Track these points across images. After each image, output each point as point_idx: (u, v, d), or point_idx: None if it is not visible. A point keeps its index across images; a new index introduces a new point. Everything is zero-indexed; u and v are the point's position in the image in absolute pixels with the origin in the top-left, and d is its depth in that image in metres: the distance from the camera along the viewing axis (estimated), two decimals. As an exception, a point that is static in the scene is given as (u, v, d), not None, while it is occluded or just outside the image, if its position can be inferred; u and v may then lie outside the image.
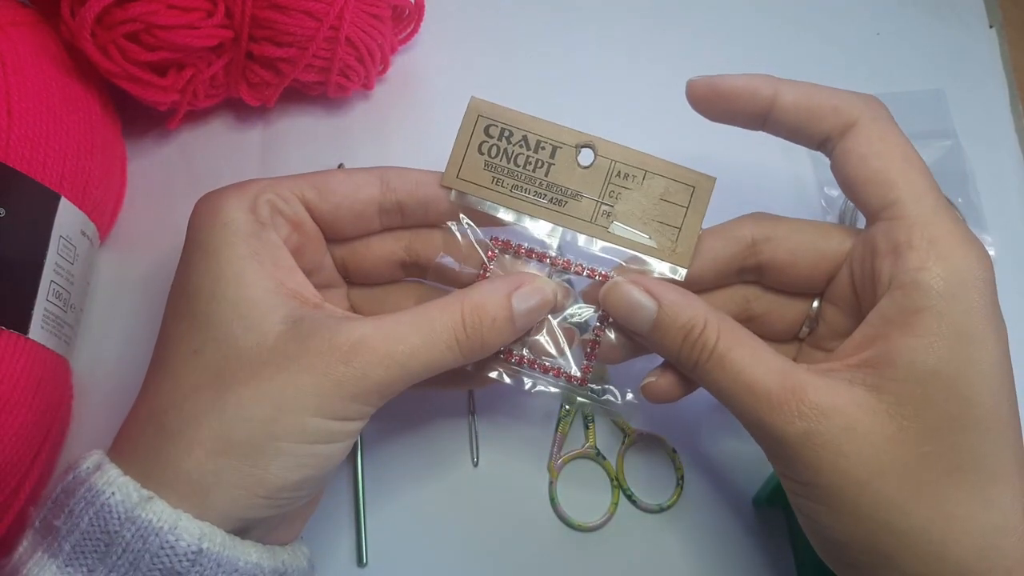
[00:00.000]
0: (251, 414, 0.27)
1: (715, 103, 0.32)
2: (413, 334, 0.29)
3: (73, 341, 0.37)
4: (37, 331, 0.33)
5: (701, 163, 0.33)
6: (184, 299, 0.30)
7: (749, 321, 0.34)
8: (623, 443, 0.39)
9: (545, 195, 0.33)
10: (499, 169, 0.33)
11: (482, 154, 0.33)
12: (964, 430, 0.26)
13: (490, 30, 0.47)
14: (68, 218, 0.35)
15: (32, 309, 0.33)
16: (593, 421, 0.40)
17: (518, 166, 0.33)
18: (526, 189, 0.33)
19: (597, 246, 0.33)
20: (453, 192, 0.33)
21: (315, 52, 0.39)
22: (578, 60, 0.46)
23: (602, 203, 0.33)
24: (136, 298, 0.40)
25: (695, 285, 0.32)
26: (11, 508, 0.33)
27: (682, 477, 0.39)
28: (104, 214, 0.39)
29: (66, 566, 0.26)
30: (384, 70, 0.44)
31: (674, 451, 0.39)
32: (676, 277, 0.33)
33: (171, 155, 0.43)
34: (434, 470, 0.39)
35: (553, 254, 0.33)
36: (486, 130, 0.33)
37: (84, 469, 0.28)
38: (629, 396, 0.34)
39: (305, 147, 0.44)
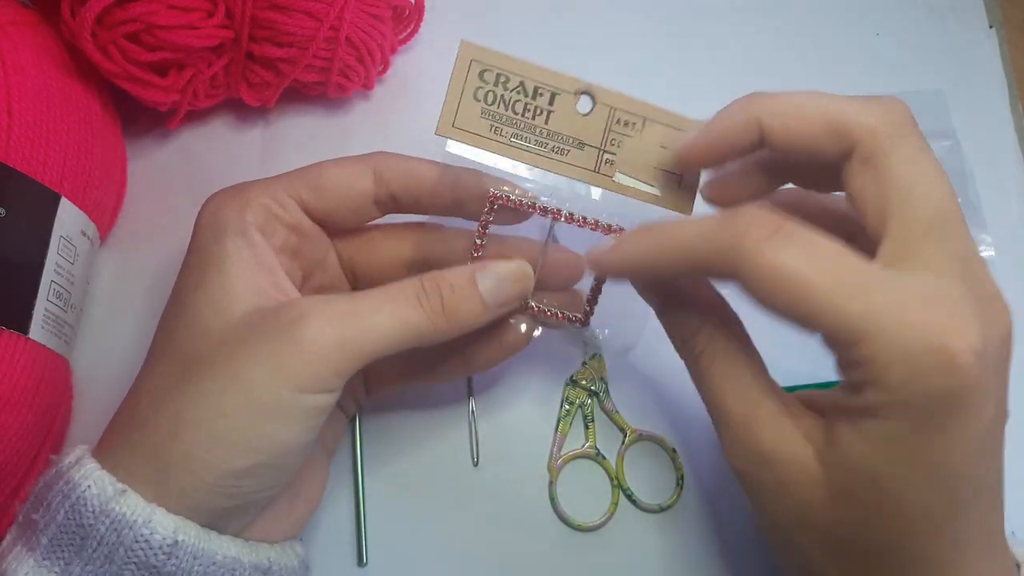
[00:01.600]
0: (202, 395, 0.27)
1: (708, 149, 0.30)
2: (367, 299, 0.29)
3: (73, 341, 0.37)
4: (37, 331, 0.33)
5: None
6: (173, 295, 0.31)
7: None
8: (623, 443, 0.39)
9: (546, 144, 0.32)
10: (497, 117, 0.31)
11: (478, 100, 0.31)
12: (891, 522, 0.26)
13: (490, 30, 0.47)
14: (68, 218, 0.35)
15: (32, 309, 0.33)
16: (593, 421, 0.40)
17: (516, 113, 0.32)
18: (526, 138, 0.32)
19: (596, 194, 0.33)
20: (449, 142, 0.32)
21: (315, 52, 0.39)
22: (580, 60, 0.46)
23: (604, 151, 0.32)
24: (137, 298, 0.40)
25: (779, 138, 0.28)
26: (11, 508, 0.33)
27: (682, 477, 0.39)
28: (104, 214, 0.39)
29: (44, 559, 0.26)
30: (384, 70, 0.44)
31: (674, 451, 0.39)
32: (685, 219, 0.31)
33: (171, 155, 0.43)
34: (434, 470, 0.39)
35: (556, 207, 0.33)
36: (480, 75, 0.31)
37: (66, 464, 0.28)
38: (613, 334, 0.36)
39: (305, 147, 0.44)
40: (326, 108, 0.45)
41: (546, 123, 0.32)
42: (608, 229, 0.33)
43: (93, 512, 0.26)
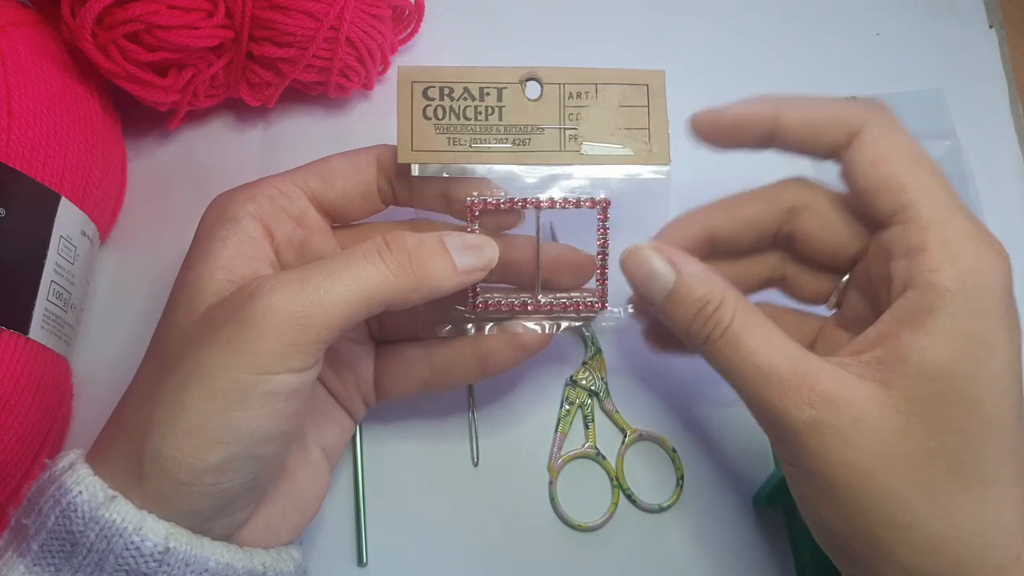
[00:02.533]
0: (165, 392, 0.27)
1: (720, 135, 0.32)
2: (322, 265, 0.28)
3: (73, 341, 0.37)
4: (37, 331, 0.33)
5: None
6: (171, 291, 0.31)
7: (781, 282, 0.35)
8: (623, 443, 0.39)
9: (506, 139, 0.32)
10: (451, 128, 0.32)
11: (428, 119, 0.31)
12: (969, 431, 0.26)
13: (490, 30, 0.47)
14: (68, 218, 0.35)
15: (32, 309, 0.33)
16: (593, 421, 0.40)
17: (469, 119, 0.32)
18: (485, 139, 0.32)
19: (533, 178, 0.33)
20: (414, 167, 0.32)
21: (315, 52, 0.39)
22: (581, 59, 0.46)
23: (565, 128, 0.32)
24: (137, 298, 0.40)
25: (732, 246, 0.33)
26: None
27: (682, 477, 0.39)
28: (104, 214, 0.39)
29: (34, 565, 0.26)
30: (384, 70, 0.44)
31: (674, 451, 0.39)
32: (661, 176, 0.33)
33: (171, 155, 0.43)
34: (434, 470, 0.39)
35: (536, 198, 0.32)
36: (424, 94, 0.32)
37: (59, 468, 0.27)
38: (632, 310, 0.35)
39: (305, 147, 0.44)
40: (326, 108, 0.45)
41: (500, 119, 0.32)
42: (593, 203, 0.33)
43: (83, 518, 0.26)
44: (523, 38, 0.47)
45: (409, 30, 0.45)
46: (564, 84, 0.32)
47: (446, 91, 0.32)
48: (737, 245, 0.33)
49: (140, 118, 0.42)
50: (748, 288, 0.35)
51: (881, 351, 0.27)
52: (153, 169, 0.43)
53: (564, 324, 0.34)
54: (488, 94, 0.32)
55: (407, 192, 0.33)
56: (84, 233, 0.37)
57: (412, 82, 0.32)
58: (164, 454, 0.26)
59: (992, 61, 0.47)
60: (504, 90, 0.32)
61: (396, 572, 0.37)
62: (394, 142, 0.32)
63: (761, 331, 0.29)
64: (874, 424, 0.26)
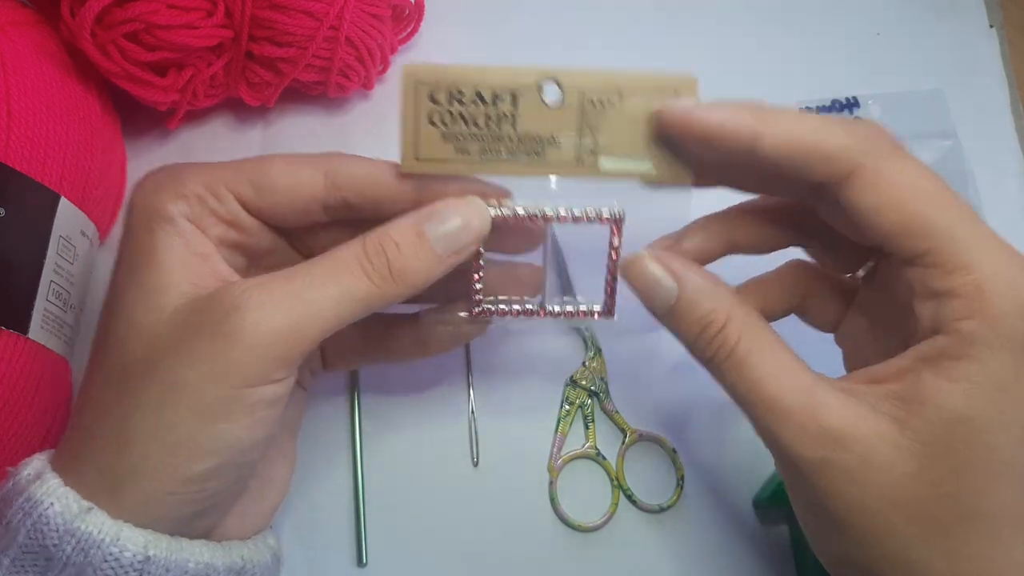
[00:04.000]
0: (142, 405, 0.26)
1: (690, 137, 0.28)
2: (306, 275, 0.27)
3: (73, 341, 0.37)
4: (37, 331, 0.33)
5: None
6: (109, 291, 0.29)
7: (800, 307, 0.33)
8: (623, 443, 0.39)
9: (519, 150, 0.29)
10: (459, 136, 0.29)
11: (435, 125, 0.29)
12: (985, 476, 0.25)
13: (490, 30, 0.47)
14: (68, 218, 0.35)
15: (32, 309, 0.33)
16: (593, 421, 0.40)
17: (480, 127, 0.29)
18: (496, 150, 0.29)
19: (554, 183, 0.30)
20: (412, 180, 0.29)
21: (315, 52, 0.39)
22: (580, 59, 0.46)
23: (583, 140, 0.29)
24: (136, 298, 0.40)
25: (765, 157, 0.27)
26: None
27: (682, 477, 0.39)
28: (104, 214, 0.39)
29: None
30: (384, 70, 0.44)
31: (674, 451, 0.39)
32: (685, 191, 0.30)
33: (171, 155, 0.43)
34: (434, 470, 0.39)
35: (548, 211, 0.30)
36: (431, 98, 0.28)
37: (24, 477, 0.26)
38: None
39: (305, 147, 0.43)
40: (326, 108, 0.44)
41: (514, 128, 0.29)
42: (606, 219, 0.31)
43: (57, 532, 0.25)
44: (525, 38, 0.46)
45: (409, 30, 0.44)
46: (585, 90, 0.29)
47: (455, 95, 0.29)
48: (776, 166, 0.27)
49: (139, 118, 0.42)
50: (768, 318, 0.32)
51: (899, 387, 0.26)
52: (153, 168, 0.43)
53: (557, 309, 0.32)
54: (502, 99, 0.29)
55: (372, 211, 0.30)
56: (84, 233, 0.37)
57: (417, 83, 0.28)
58: (147, 465, 0.26)
59: (993, 61, 0.47)
60: (520, 95, 0.29)
61: (396, 572, 0.37)
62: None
63: (769, 356, 0.27)
64: (884, 464, 0.25)
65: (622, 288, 0.31)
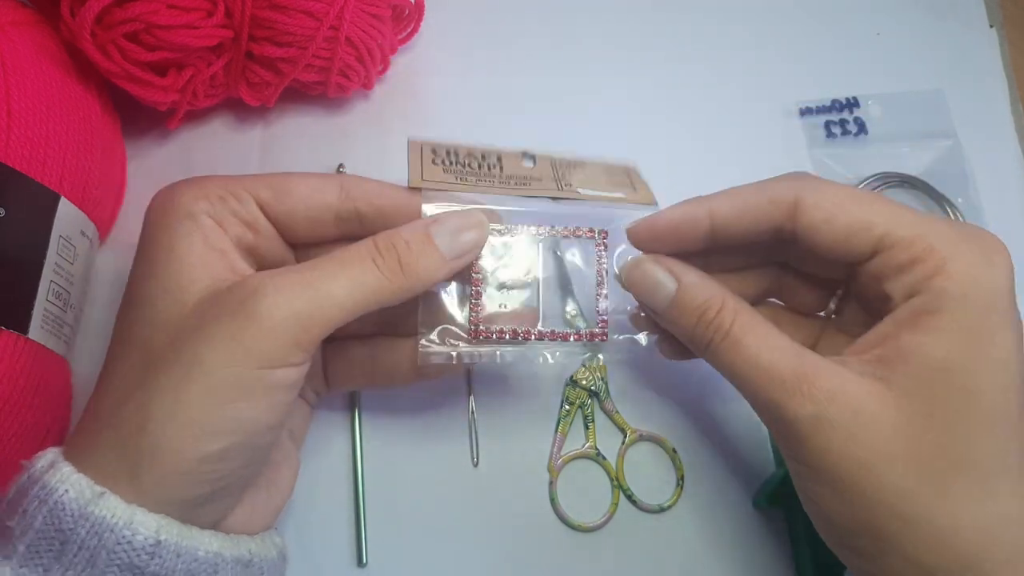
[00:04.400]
0: (163, 385, 0.27)
1: (659, 242, 0.33)
2: (320, 266, 0.29)
3: (73, 341, 0.37)
4: (37, 331, 0.33)
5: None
6: (128, 287, 0.31)
7: (779, 293, 0.35)
8: (623, 443, 0.39)
9: (508, 181, 0.34)
10: (458, 172, 0.34)
11: (437, 166, 0.34)
12: (971, 423, 0.27)
13: (490, 30, 0.47)
14: (68, 218, 0.35)
15: (32, 309, 0.33)
16: (593, 421, 0.40)
17: (472, 169, 0.34)
18: (489, 181, 0.34)
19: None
20: (424, 206, 0.32)
21: (315, 52, 0.39)
22: (581, 59, 0.46)
23: (560, 181, 0.34)
24: (136, 298, 0.40)
25: (732, 234, 0.32)
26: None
27: (682, 477, 0.39)
28: (104, 214, 0.39)
29: (20, 567, 0.26)
30: (384, 70, 0.44)
31: (674, 451, 0.39)
32: (652, 211, 0.34)
33: (171, 155, 0.43)
34: (434, 470, 0.39)
35: (536, 226, 0.34)
36: (433, 152, 0.34)
37: (38, 468, 0.27)
38: (641, 337, 0.35)
39: (305, 147, 0.44)
40: (326, 108, 0.44)
41: (501, 172, 0.34)
42: (591, 233, 0.34)
43: (72, 516, 0.26)
44: (524, 38, 0.47)
45: (409, 30, 0.44)
46: (554, 160, 0.35)
47: (451, 153, 0.34)
48: (737, 234, 0.32)
49: (139, 118, 0.42)
50: (747, 300, 0.35)
51: (881, 350, 0.28)
52: (153, 169, 0.43)
53: (561, 352, 0.34)
54: (488, 158, 0.35)
55: (381, 222, 0.32)
56: (83, 233, 0.37)
57: (421, 148, 0.34)
58: (164, 446, 0.27)
59: (992, 61, 0.47)
60: (503, 156, 0.35)
61: (396, 572, 0.37)
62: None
63: (761, 332, 0.30)
64: (874, 418, 0.27)
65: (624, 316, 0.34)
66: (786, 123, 0.46)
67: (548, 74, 0.46)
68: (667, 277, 0.32)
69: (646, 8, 0.48)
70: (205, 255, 0.30)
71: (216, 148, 0.43)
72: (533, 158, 0.35)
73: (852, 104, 0.45)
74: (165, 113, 0.41)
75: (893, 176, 0.44)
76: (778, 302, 0.36)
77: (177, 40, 0.36)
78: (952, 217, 0.43)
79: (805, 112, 0.45)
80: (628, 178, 0.36)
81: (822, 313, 0.35)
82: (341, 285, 0.29)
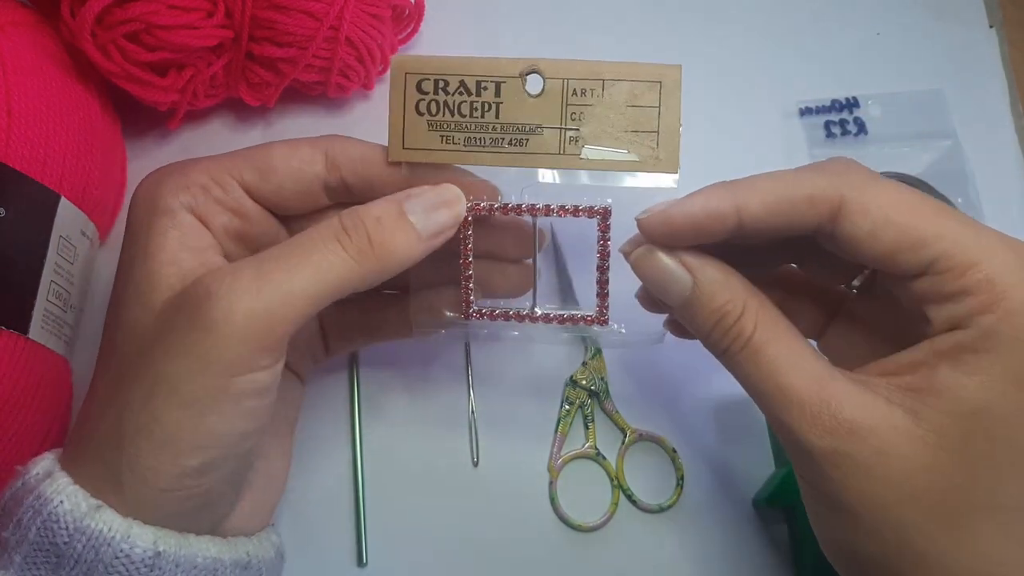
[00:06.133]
0: (132, 402, 0.26)
1: (675, 238, 0.28)
2: (280, 257, 0.27)
3: (73, 341, 0.37)
4: (37, 331, 0.33)
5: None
6: (113, 287, 0.30)
7: (799, 260, 0.32)
8: (623, 443, 0.39)
9: (502, 139, 0.30)
10: (445, 125, 0.30)
11: (421, 114, 0.30)
12: (1002, 469, 0.25)
13: (490, 30, 0.47)
14: (68, 218, 0.35)
15: (32, 309, 0.33)
16: (593, 421, 0.40)
17: (464, 115, 0.30)
18: (480, 139, 0.30)
19: (548, 176, 0.31)
20: (404, 166, 0.30)
21: (315, 52, 0.39)
22: (581, 59, 0.46)
23: (566, 129, 0.30)
24: (136, 298, 0.40)
25: (758, 233, 0.28)
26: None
27: (682, 477, 0.39)
28: (104, 214, 0.39)
29: None
30: (384, 70, 0.44)
31: (674, 451, 0.39)
32: (671, 185, 0.30)
33: (171, 155, 0.43)
34: (434, 470, 0.39)
35: (533, 203, 0.31)
36: (418, 87, 0.30)
37: (33, 475, 0.27)
38: (639, 326, 0.33)
39: (305, 147, 0.44)
40: (326, 108, 0.45)
41: (497, 117, 0.30)
42: (592, 212, 0.31)
43: (67, 530, 0.25)
44: (524, 38, 0.46)
45: (409, 30, 0.45)
46: (567, 80, 0.29)
47: (441, 84, 0.30)
48: (766, 231, 0.28)
49: (140, 118, 0.42)
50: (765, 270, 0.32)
51: (913, 379, 0.26)
52: (153, 169, 0.43)
53: (564, 336, 0.33)
54: (485, 88, 0.30)
55: (369, 191, 0.31)
56: (84, 233, 0.37)
57: (406, 73, 0.30)
58: (142, 464, 0.26)
59: (992, 61, 0.47)
60: (503, 84, 0.30)
61: (396, 572, 0.37)
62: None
63: (784, 346, 0.27)
64: (899, 456, 0.25)
65: (624, 298, 0.32)
66: (786, 123, 0.46)
67: (548, 74, 0.46)
68: (682, 272, 0.28)
69: (646, 9, 0.48)
70: (177, 252, 0.28)
71: (217, 148, 0.43)
72: (541, 77, 0.30)
73: (852, 104, 0.45)
74: (165, 113, 0.41)
75: (892, 176, 0.44)
76: (794, 267, 0.33)
77: (177, 40, 0.36)
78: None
79: (805, 112, 0.45)
80: (657, 111, 0.30)
81: (843, 286, 0.32)
82: (304, 276, 0.26)
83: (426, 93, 0.30)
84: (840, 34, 0.47)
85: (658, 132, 0.30)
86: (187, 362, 0.25)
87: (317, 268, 0.26)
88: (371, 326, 0.35)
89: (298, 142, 0.31)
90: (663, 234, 0.28)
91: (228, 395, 0.26)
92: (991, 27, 0.48)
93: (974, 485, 0.25)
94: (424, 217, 0.28)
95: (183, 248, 0.28)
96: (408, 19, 0.44)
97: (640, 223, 0.29)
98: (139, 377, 0.26)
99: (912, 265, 0.26)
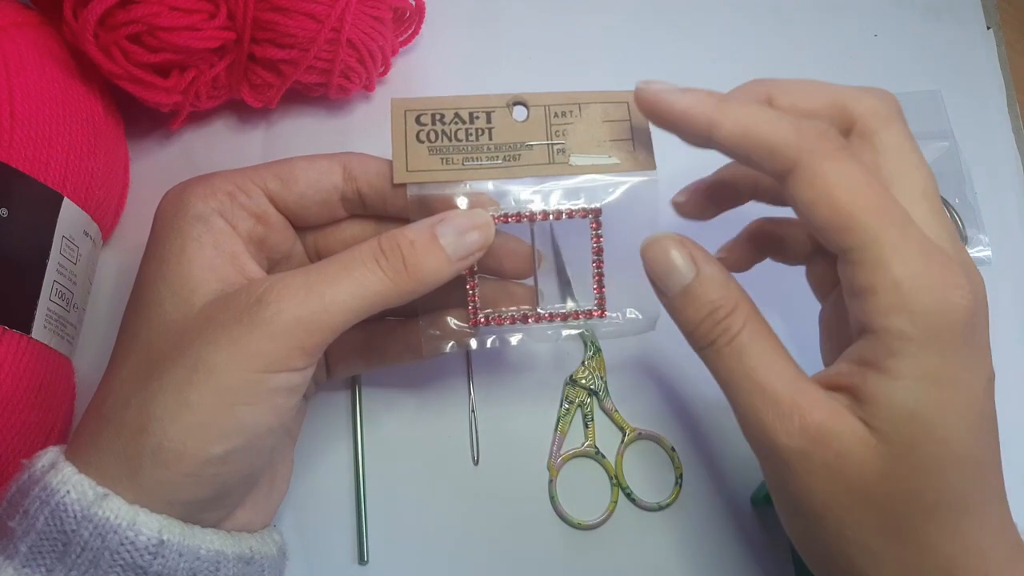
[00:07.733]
0: (166, 387, 0.27)
1: (658, 117, 0.30)
2: (324, 270, 0.29)
3: (76, 341, 0.38)
4: (40, 331, 0.34)
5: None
6: (135, 287, 0.31)
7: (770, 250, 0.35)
8: (622, 441, 0.40)
9: (497, 156, 0.33)
10: (443, 149, 0.33)
11: (421, 142, 0.33)
12: (944, 469, 0.26)
13: (490, 32, 0.47)
14: (71, 218, 0.36)
15: (35, 309, 0.33)
16: (593, 420, 0.40)
17: (460, 140, 0.33)
18: (476, 158, 0.33)
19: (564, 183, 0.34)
20: (409, 187, 0.33)
21: (317, 54, 0.39)
22: (581, 60, 0.47)
23: (553, 144, 0.33)
24: (138, 298, 0.40)
25: (722, 148, 0.29)
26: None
27: (681, 476, 0.39)
28: (107, 214, 0.40)
29: (23, 567, 0.26)
30: (385, 72, 0.44)
31: (673, 450, 0.39)
32: (652, 178, 0.33)
33: (173, 156, 0.43)
34: (434, 469, 0.39)
35: (529, 210, 0.33)
36: (417, 120, 0.33)
37: (39, 468, 0.27)
38: (634, 314, 0.35)
39: (307, 148, 0.43)
40: (327, 109, 0.45)
41: (490, 139, 0.33)
42: (584, 212, 0.33)
43: (75, 518, 0.26)
44: (524, 40, 0.47)
45: (410, 31, 0.45)
46: (549, 106, 0.34)
47: (437, 116, 0.33)
48: (733, 156, 0.30)
49: (142, 119, 0.43)
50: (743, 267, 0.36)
51: (852, 385, 0.27)
52: (155, 170, 0.43)
53: (564, 333, 0.35)
54: (478, 117, 0.33)
55: (381, 204, 0.33)
56: (86, 233, 0.37)
57: (405, 111, 0.33)
58: (166, 447, 0.27)
59: (990, 62, 0.47)
60: (493, 113, 0.33)
61: (397, 570, 0.38)
62: (385, 148, 0.33)
63: (766, 347, 0.28)
64: (857, 462, 0.26)
65: (615, 289, 0.33)
66: (784, 124, 0.46)
67: (549, 76, 0.46)
68: (686, 263, 0.29)
69: (646, 11, 0.48)
70: (215, 259, 0.30)
71: (218, 149, 0.44)
72: (525, 107, 0.34)
73: (850, 105, 0.45)
74: (168, 114, 0.41)
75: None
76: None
77: (179, 42, 0.36)
78: (951, 218, 0.43)
79: (803, 113, 0.46)
80: (629, 128, 0.34)
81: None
82: (344, 289, 0.28)
83: (424, 124, 0.33)
84: (839, 34, 0.48)
85: (632, 140, 0.34)
86: (228, 352, 0.27)
87: (357, 284, 0.29)
88: (373, 351, 0.36)
89: (316, 155, 0.33)
90: (647, 111, 0.30)
91: (261, 389, 0.27)
92: (988, 28, 0.48)
93: (922, 489, 0.26)
94: (455, 240, 0.31)
95: (219, 252, 0.30)
96: (409, 21, 0.44)
97: (638, 90, 0.30)
98: (177, 364, 0.27)
99: (835, 247, 0.27)
